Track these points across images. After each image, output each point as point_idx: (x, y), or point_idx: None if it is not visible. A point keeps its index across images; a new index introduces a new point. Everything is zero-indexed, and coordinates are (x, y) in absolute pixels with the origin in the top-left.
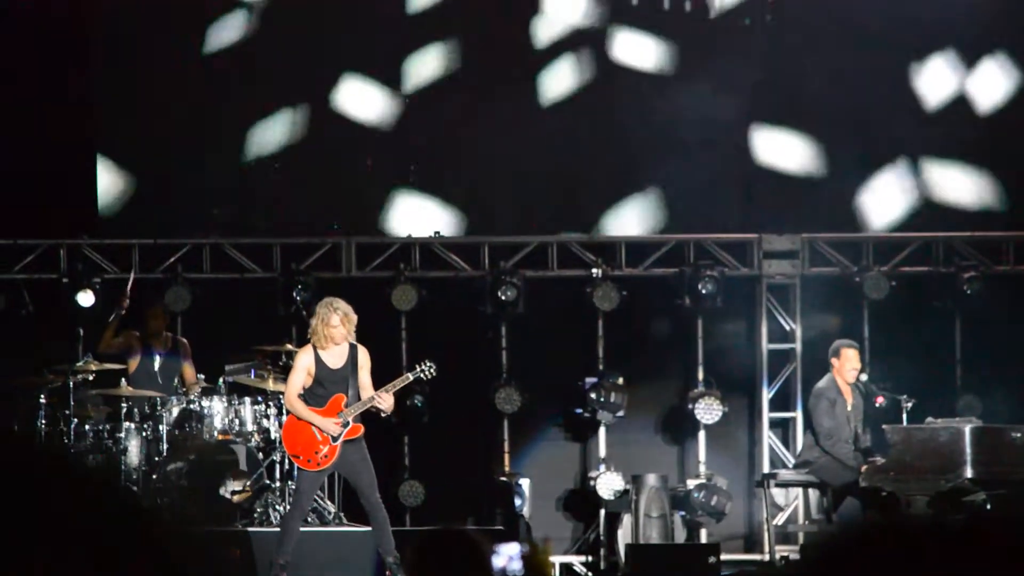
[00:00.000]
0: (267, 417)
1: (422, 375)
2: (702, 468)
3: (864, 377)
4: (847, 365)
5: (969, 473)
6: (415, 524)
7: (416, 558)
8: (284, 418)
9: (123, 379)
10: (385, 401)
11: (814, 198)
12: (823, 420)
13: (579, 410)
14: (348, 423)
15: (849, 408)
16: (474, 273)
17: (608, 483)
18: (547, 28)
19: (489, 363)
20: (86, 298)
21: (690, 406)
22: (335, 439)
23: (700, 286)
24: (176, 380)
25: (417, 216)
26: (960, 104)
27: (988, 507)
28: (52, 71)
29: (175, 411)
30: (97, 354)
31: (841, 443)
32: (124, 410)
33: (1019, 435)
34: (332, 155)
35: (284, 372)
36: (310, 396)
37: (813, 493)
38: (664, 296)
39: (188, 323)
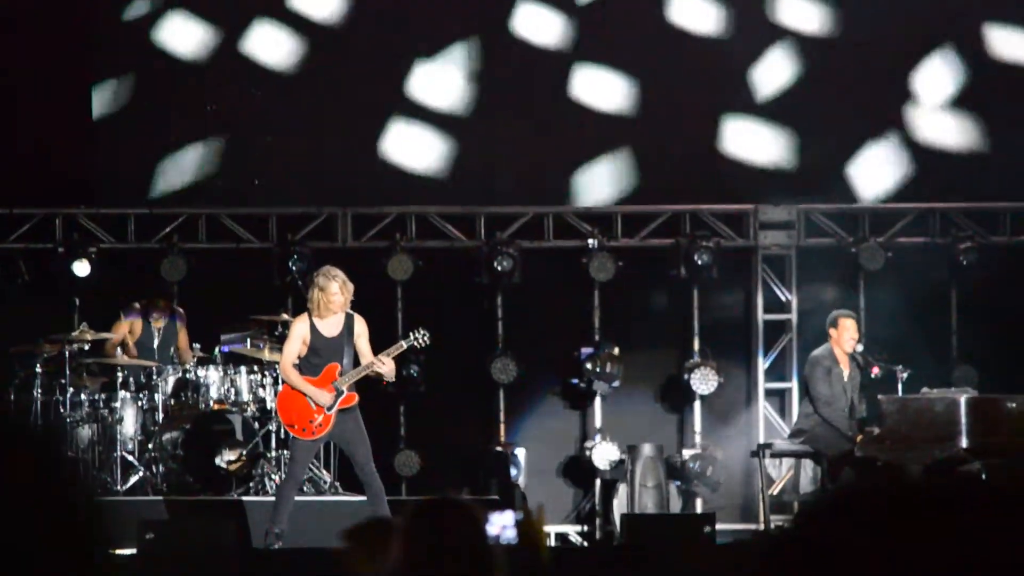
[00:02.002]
0: (263, 387)
1: (416, 343)
2: (698, 438)
3: (860, 347)
4: (845, 335)
5: (964, 443)
6: (411, 494)
7: (410, 526)
8: (280, 388)
9: (119, 348)
10: (386, 365)
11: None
12: (819, 386)
13: (575, 380)
14: (342, 392)
15: (846, 379)
16: (470, 243)
17: (603, 453)
18: None
19: (485, 333)
20: (82, 267)
21: (686, 376)
22: (329, 408)
23: (696, 257)
24: (172, 349)
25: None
26: None
27: (983, 477)
28: (50, 42)
29: (171, 380)
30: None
31: (838, 411)
32: (120, 379)
33: (1014, 405)
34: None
35: (280, 342)
36: (305, 365)
37: (809, 463)
38: (660, 267)
39: (184, 293)
